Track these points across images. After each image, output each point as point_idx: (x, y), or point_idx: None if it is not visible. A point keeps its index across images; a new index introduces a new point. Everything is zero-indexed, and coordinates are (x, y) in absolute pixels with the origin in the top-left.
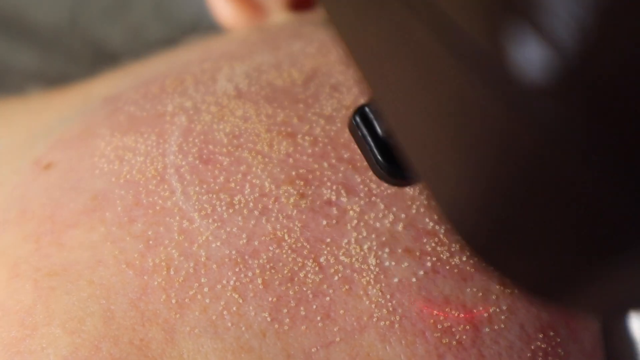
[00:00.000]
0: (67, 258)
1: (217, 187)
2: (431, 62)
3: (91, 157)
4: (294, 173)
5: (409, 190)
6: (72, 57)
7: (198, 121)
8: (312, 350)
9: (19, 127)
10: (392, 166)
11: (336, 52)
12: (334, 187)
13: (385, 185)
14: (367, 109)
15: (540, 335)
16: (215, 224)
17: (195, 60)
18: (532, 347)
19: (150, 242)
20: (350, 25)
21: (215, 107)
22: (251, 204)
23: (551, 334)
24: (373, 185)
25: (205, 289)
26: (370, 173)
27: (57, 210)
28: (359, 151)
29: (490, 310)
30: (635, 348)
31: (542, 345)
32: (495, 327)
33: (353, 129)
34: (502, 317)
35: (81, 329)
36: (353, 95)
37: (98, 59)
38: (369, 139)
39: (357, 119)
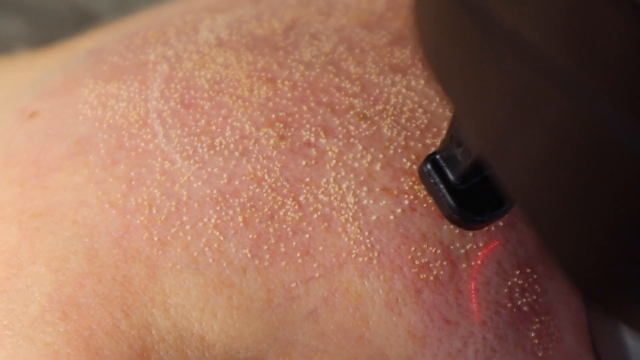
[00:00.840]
0: (51, 200)
1: (198, 130)
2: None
3: (75, 104)
4: (273, 116)
5: (386, 132)
6: (59, 22)
7: (180, 68)
8: (292, 285)
9: (5, 84)
10: (465, 211)
11: (316, 3)
12: (313, 129)
13: (364, 127)
14: (437, 157)
15: (517, 272)
16: (197, 165)
17: (178, 13)
18: (509, 283)
19: (133, 182)
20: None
21: (197, 55)
22: (232, 146)
23: (528, 270)
24: (351, 128)
25: (187, 227)
26: (349, 115)
27: (42, 155)
28: (337, 95)
29: (467, 247)
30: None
31: (519, 282)
32: (472, 263)
33: (424, 176)
34: (479, 253)
35: (65, 267)
36: (332, 43)
37: (84, 23)
38: (441, 185)
39: (428, 166)
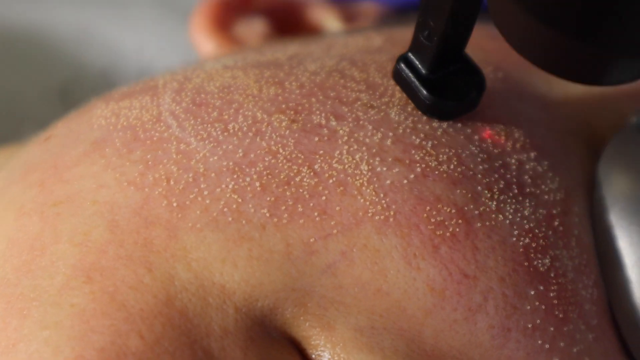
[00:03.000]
0: (70, 189)
1: (211, 119)
2: None
3: (89, 120)
4: (283, 106)
5: (394, 117)
6: None
7: (189, 82)
8: (311, 240)
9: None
10: (437, 97)
11: (315, 44)
12: (323, 115)
13: (372, 113)
14: (409, 54)
15: (530, 235)
16: (212, 144)
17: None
18: (522, 244)
19: (150, 162)
20: None
21: (205, 74)
22: (245, 128)
23: (538, 232)
24: (360, 114)
25: (205, 192)
26: (357, 105)
27: (59, 159)
28: (344, 91)
29: (481, 209)
30: None
31: (533, 244)
32: (487, 223)
33: (398, 75)
34: (492, 215)
35: (88, 239)
36: (335, 60)
37: None
38: (414, 78)
39: (401, 64)
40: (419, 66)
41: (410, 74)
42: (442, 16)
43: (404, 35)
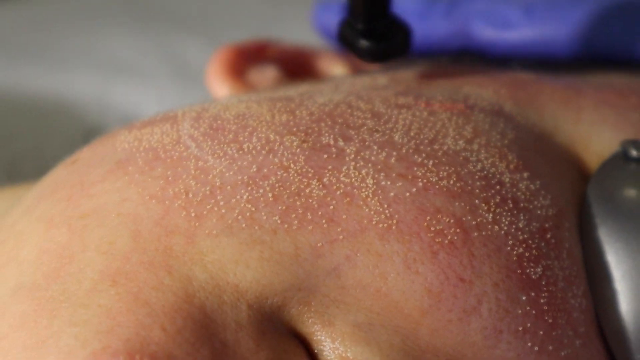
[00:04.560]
0: (96, 203)
1: (227, 141)
2: None
3: (113, 144)
4: (295, 129)
5: (398, 139)
6: None
7: (206, 112)
8: (318, 244)
9: None
10: (371, 44)
11: (324, 83)
12: (332, 136)
13: (377, 136)
14: (349, 19)
15: (524, 245)
16: (228, 161)
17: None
18: (516, 253)
19: (170, 178)
20: None
21: (221, 105)
22: (259, 147)
23: (531, 243)
24: (366, 136)
25: (221, 203)
26: (363, 129)
27: (85, 177)
28: (350, 118)
29: (478, 220)
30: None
31: (526, 254)
32: (483, 233)
33: (342, 35)
34: (489, 226)
35: (113, 248)
36: (342, 95)
37: None
38: (354, 33)
39: (345, 27)
40: (356, 25)
41: (350, 32)
42: None
43: (407, 75)
